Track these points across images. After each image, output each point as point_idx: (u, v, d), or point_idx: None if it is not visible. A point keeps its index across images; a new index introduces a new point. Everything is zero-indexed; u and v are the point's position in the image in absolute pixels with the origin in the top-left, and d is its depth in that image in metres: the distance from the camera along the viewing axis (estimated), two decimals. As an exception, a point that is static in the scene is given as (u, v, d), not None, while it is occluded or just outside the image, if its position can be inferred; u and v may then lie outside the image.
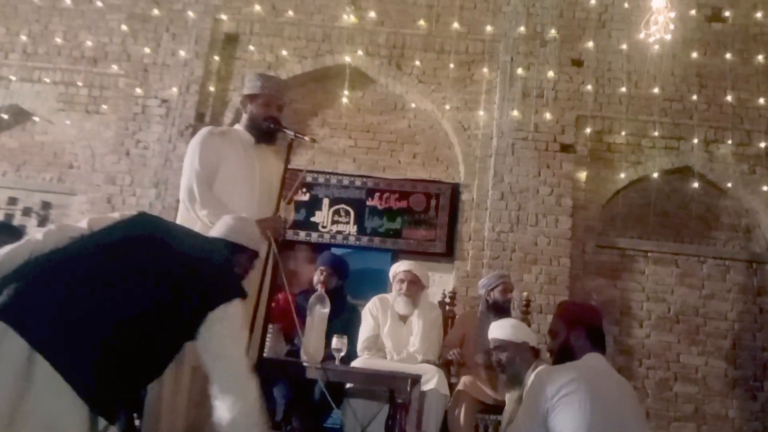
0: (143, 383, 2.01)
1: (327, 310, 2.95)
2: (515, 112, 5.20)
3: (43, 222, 5.45)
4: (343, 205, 5.28)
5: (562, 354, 2.33)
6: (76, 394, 1.56)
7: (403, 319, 3.69)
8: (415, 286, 3.67)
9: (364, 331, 3.66)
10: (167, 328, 1.78)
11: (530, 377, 2.69)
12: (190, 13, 5.50)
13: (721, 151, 5.29)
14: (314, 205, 5.29)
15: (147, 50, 5.47)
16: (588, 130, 5.29)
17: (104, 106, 5.54)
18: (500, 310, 3.79)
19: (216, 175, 2.63)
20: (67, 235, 1.84)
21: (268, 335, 2.87)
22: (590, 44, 5.38)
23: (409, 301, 3.64)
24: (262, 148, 2.81)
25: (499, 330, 2.91)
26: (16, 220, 5.42)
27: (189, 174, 2.61)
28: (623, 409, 2.03)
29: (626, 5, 5.46)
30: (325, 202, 5.29)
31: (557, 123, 5.23)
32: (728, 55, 5.34)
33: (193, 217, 2.60)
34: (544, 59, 5.33)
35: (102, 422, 1.65)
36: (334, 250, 5.09)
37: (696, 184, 5.21)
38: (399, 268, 3.75)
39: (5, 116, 5.58)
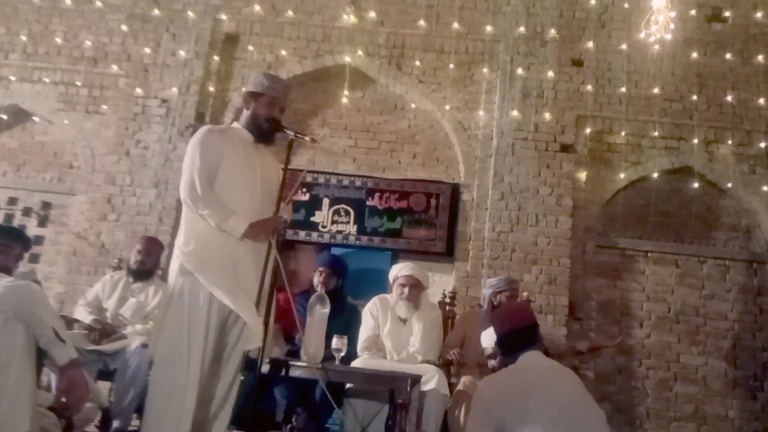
0: None
1: (327, 310, 2.95)
2: (515, 112, 5.20)
3: (43, 222, 5.46)
4: (343, 205, 5.28)
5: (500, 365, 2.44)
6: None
7: (403, 319, 3.68)
8: (416, 290, 3.66)
9: (364, 331, 3.66)
10: None
11: None
12: (190, 13, 5.50)
13: (721, 151, 5.29)
14: (314, 205, 5.29)
15: (147, 50, 5.47)
16: (588, 130, 5.29)
17: (104, 106, 5.54)
18: None
19: (217, 173, 2.61)
20: None
21: (268, 335, 2.86)
22: (590, 44, 5.38)
23: (410, 304, 3.64)
24: (261, 148, 2.79)
25: (487, 339, 2.99)
26: (16, 220, 5.43)
27: (190, 172, 2.57)
28: (569, 400, 2.08)
29: (626, 5, 5.47)
30: (325, 202, 5.29)
31: (557, 123, 5.23)
32: (728, 55, 5.34)
33: (195, 217, 2.58)
34: (544, 59, 5.33)
35: None
36: (334, 250, 5.09)
37: (696, 184, 5.21)
38: (400, 272, 3.72)
39: (5, 116, 5.58)
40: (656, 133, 5.28)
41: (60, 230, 5.43)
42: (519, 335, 2.33)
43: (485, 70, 5.39)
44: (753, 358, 5.07)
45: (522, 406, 2.02)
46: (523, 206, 5.07)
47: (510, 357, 2.31)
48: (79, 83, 5.56)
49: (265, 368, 2.61)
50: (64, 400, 2.15)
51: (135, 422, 3.49)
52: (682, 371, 5.06)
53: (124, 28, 5.58)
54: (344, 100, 5.34)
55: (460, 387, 3.44)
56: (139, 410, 3.31)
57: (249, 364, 2.57)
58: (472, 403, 2.26)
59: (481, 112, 5.31)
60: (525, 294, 4.56)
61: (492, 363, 2.98)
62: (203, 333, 2.46)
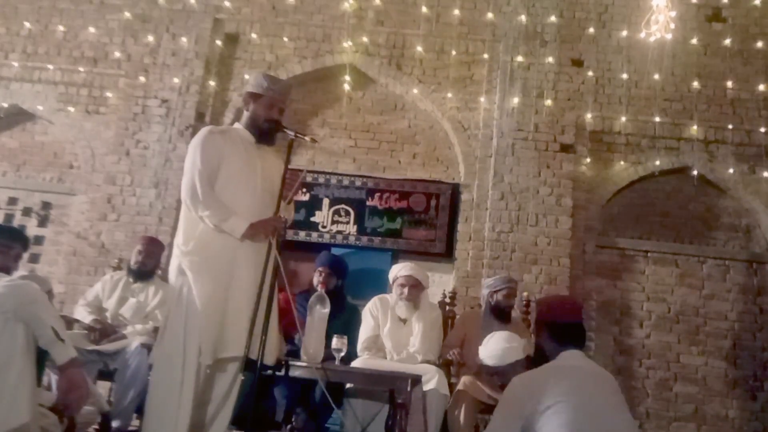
0: None
1: (327, 310, 2.95)
2: (515, 113, 5.20)
3: (43, 222, 5.46)
4: (343, 205, 5.28)
5: (537, 358, 2.33)
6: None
7: (403, 319, 3.68)
8: (416, 290, 3.67)
9: (364, 331, 3.65)
10: None
11: None
12: (190, 13, 5.50)
13: (721, 151, 5.29)
14: (314, 205, 5.29)
15: (147, 50, 5.48)
16: (588, 130, 5.28)
17: (104, 107, 5.54)
18: (502, 313, 3.80)
19: (218, 174, 2.62)
20: None
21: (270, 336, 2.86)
22: (590, 44, 5.38)
23: (410, 305, 3.65)
24: (263, 148, 2.79)
25: (489, 359, 2.95)
26: (16, 220, 5.43)
27: (191, 173, 2.58)
28: (600, 405, 2.01)
29: (626, 5, 5.47)
30: (325, 202, 5.29)
31: (557, 123, 5.23)
32: (728, 55, 5.34)
33: (195, 217, 2.58)
34: (544, 59, 5.33)
35: None
36: (334, 250, 5.09)
37: (696, 184, 5.21)
38: (399, 272, 3.72)
39: (5, 116, 5.58)
40: (656, 133, 5.28)
41: (60, 230, 5.42)
42: (570, 329, 2.25)
43: (485, 70, 5.39)
44: (753, 358, 5.07)
45: (545, 403, 1.97)
46: (523, 206, 5.07)
47: (557, 346, 2.22)
48: (79, 83, 5.56)
49: (266, 368, 2.60)
50: (63, 399, 2.14)
51: (135, 422, 3.49)
52: (682, 371, 5.06)
53: (124, 28, 5.58)
54: (344, 100, 5.34)
55: (460, 387, 3.44)
56: (139, 410, 3.31)
57: (249, 364, 2.57)
58: (500, 398, 2.22)
59: (481, 113, 5.31)
60: (525, 294, 4.56)
61: (497, 381, 2.97)
62: (200, 332, 2.46)
